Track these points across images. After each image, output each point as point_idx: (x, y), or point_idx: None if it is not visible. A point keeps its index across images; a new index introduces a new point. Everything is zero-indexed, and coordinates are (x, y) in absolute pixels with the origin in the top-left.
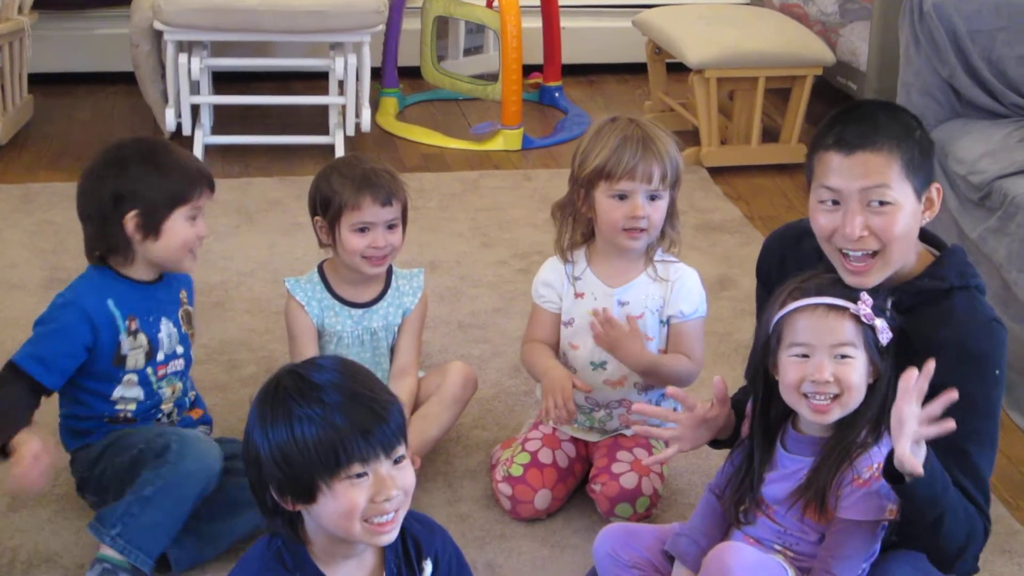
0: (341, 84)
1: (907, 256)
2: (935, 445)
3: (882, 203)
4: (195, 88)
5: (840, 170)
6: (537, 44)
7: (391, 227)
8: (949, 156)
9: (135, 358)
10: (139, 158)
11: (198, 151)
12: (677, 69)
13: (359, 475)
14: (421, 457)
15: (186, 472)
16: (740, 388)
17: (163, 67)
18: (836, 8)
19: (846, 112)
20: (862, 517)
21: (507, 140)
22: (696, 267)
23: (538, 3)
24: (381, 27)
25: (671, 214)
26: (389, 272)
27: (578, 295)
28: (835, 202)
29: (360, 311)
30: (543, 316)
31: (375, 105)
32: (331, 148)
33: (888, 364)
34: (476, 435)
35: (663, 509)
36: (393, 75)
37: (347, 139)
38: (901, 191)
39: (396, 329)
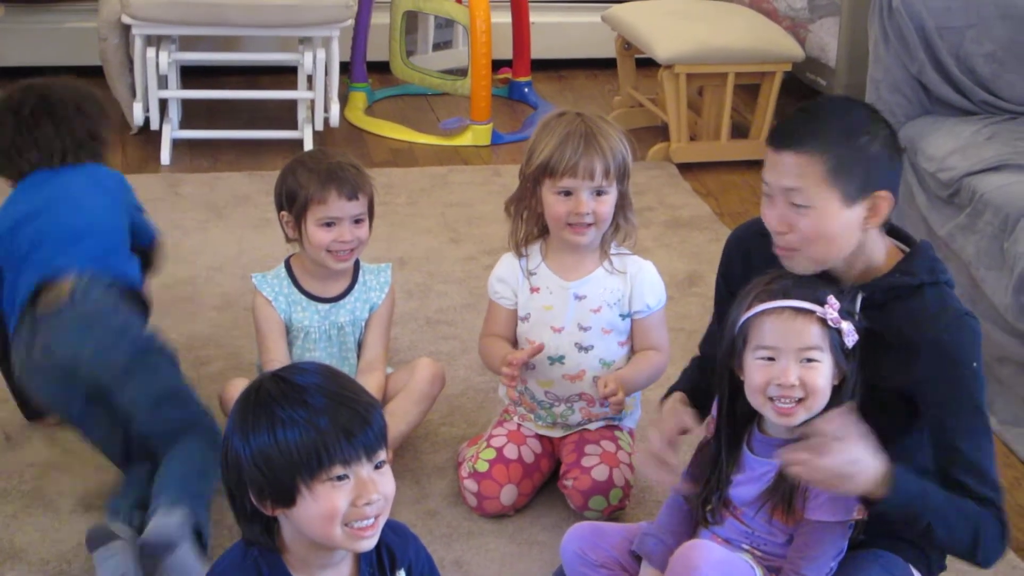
0: (310, 79)
1: (834, 256)
2: (933, 448)
3: (800, 204)
4: (163, 82)
5: (770, 165)
6: (506, 39)
7: (357, 221)
8: (918, 153)
9: None
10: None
11: (166, 146)
12: (646, 64)
13: (340, 477)
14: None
15: None
16: (683, 372)
17: (131, 61)
18: (805, 4)
19: (801, 107)
20: (830, 518)
21: (476, 135)
22: (665, 264)
23: None
24: (350, 22)
25: (623, 206)
26: (356, 267)
27: (533, 290)
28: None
29: (327, 306)
30: (498, 312)
31: (344, 100)
32: (300, 143)
33: (854, 366)
34: (444, 432)
35: (631, 507)
36: (362, 70)
37: (316, 134)
38: (820, 196)
39: (363, 324)
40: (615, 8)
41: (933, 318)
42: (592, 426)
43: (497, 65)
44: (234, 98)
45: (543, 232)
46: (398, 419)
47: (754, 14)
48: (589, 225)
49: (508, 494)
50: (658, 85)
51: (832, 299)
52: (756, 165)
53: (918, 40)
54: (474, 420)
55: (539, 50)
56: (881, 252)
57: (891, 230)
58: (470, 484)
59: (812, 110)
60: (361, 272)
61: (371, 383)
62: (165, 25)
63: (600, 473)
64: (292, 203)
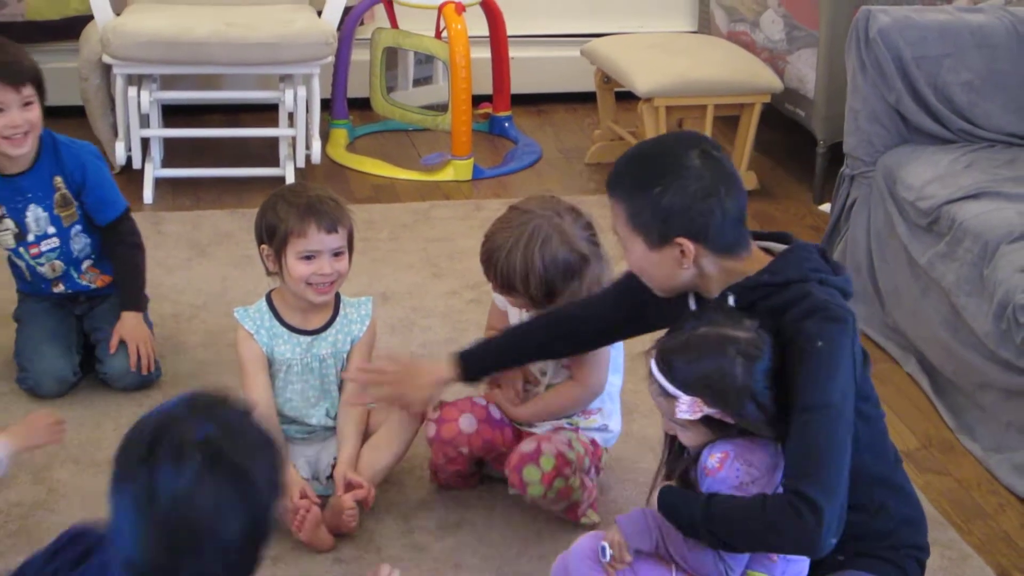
0: (291, 116)
1: (667, 287)
2: (790, 435)
3: (622, 243)
4: (145, 121)
5: None
6: (486, 74)
7: (337, 254)
8: (897, 182)
9: (5, 240)
10: None
11: (148, 184)
12: (626, 98)
13: None
14: (373, 486)
15: None
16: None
17: (113, 101)
18: (783, 35)
19: (624, 153)
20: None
21: (457, 170)
22: None
23: (487, 33)
24: (330, 59)
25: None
26: (337, 300)
27: (512, 303)
28: None
29: (308, 338)
30: (497, 311)
31: (325, 137)
32: (282, 180)
33: (753, 405)
34: (428, 465)
35: (601, 526)
36: (343, 106)
37: (297, 171)
38: (629, 239)
39: (345, 357)
40: (594, 42)
41: (789, 308)
42: (539, 430)
43: (477, 100)
44: (216, 136)
45: None
46: (381, 453)
47: (732, 46)
48: None
49: (467, 422)
50: (638, 118)
51: (683, 402)
52: None
53: (895, 70)
54: None
55: (519, 85)
56: (742, 269)
57: (781, 239)
58: (432, 414)
59: (625, 158)
60: (342, 305)
61: (353, 416)
62: (146, 64)
63: (528, 446)
64: (272, 237)
